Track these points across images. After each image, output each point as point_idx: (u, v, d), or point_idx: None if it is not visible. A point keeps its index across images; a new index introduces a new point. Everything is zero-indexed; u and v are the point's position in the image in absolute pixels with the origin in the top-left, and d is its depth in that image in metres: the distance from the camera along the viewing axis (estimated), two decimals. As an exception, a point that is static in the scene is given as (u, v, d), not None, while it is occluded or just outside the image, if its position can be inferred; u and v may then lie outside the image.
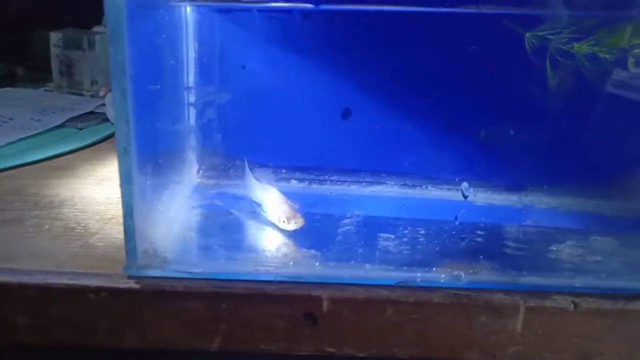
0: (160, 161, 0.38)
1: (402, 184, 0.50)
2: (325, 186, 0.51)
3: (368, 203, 0.49)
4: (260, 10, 0.46)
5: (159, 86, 0.36)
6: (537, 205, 0.48)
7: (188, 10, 0.45)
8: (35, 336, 0.34)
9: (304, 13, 0.47)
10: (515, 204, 0.49)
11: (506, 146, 0.49)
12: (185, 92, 0.46)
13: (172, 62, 0.42)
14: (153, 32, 0.36)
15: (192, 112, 0.47)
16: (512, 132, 0.48)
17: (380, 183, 0.51)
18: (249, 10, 0.47)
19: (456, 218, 0.43)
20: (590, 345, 0.34)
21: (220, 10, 0.47)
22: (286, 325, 0.34)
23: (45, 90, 0.79)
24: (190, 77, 0.46)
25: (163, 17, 0.40)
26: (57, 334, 0.34)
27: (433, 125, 0.50)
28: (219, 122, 0.49)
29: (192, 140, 0.48)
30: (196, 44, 0.46)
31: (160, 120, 0.39)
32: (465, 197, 0.46)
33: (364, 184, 0.51)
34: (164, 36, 0.39)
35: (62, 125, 0.64)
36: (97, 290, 0.33)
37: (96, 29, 0.81)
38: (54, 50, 0.79)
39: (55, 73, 0.80)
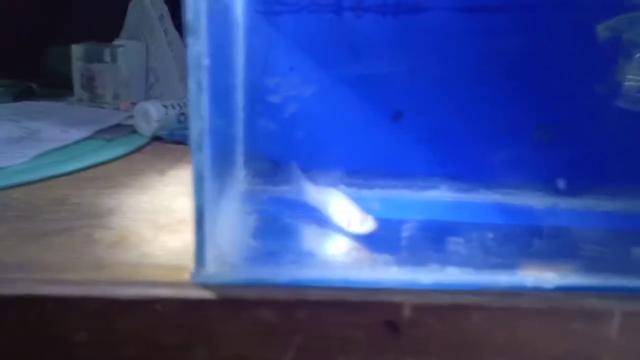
0: (222, 163, 0.36)
1: (456, 189, 0.49)
2: (375, 191, 0.49)
3: (423, 208, 0.47)
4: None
5: (230, 81, 0.34)
6: (598, 208, 0.47)
7: (239, 9, 0.43)
8: (95, 354, 0.31)
9: (357, 12, 0.46)
10: (575, 207, 0.47)
11: (565, 147, 0.47)
12: (235, 93, 0.44)
13: (227, 60, 0.40)
14: (220, 27, 0.34)
15: (241, 114, 0.45)
16: (574, 133, 0.46)
17: (433, 187, 0.49)
18: (299, 11, 0.46)
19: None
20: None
21: (270, 12, 0.46)
22: (366, 334, 0.32)
23: (67, 103, 0.78)
24: (239, 77, 0.45)
25: (224, 12, 0.38)
26: (120, 350, 0.31)
27: (487, 127, 0.48)
28: (264, 126, 0.47)
29: (240, 144, 0.46)
30: (245, 45, 0.45)
31: (223, 119, 0.37)
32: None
33: (415, 188, 0.49)
34: (225, 33, 0.37)
35: (91, 137, 0.62)
36: (168, 301, 0.30)
37: (117, 41, 0.80)
38: (76, 64, 0.78)
39: (76, 86, 0.78)
